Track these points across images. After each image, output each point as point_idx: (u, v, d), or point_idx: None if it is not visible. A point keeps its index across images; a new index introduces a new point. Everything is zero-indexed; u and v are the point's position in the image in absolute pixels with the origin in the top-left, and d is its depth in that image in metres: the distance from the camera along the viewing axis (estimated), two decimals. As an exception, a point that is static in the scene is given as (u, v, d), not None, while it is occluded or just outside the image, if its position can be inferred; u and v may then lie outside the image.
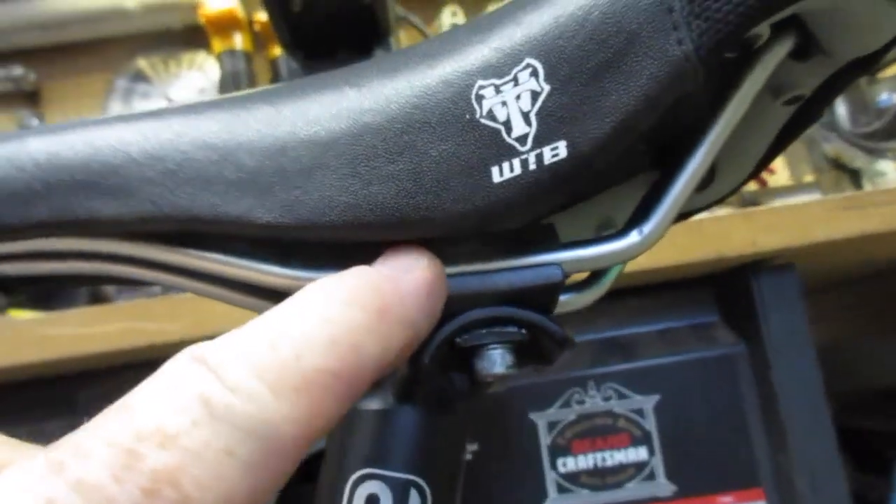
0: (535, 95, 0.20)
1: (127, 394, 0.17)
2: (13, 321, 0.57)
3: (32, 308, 0.66)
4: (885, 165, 1.19)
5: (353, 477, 0.23)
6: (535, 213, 0.22)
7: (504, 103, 0.20)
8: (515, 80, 0.20)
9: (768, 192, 1.16)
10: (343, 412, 0.18)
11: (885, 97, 1.15)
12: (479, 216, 0.21)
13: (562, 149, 0.20)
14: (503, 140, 0.20)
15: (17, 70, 1.31)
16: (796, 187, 1.26)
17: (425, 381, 0.23)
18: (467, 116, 0.21)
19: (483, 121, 0.20)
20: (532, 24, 0.20)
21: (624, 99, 0.19)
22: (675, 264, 0.56)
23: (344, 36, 0.86)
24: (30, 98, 1.33)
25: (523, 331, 0.23)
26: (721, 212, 0.60)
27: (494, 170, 0.20)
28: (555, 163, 0.20)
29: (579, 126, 0.20)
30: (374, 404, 0.24)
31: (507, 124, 0.20)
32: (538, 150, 0.20)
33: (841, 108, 1.19)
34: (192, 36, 1.30)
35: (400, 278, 0.20)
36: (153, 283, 0.27)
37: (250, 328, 0.18)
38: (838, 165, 1.23)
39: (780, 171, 1.26)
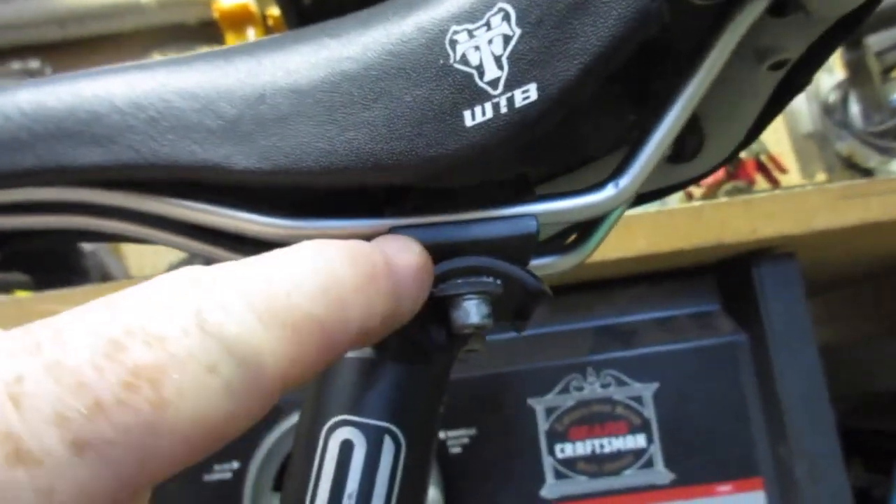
0: (506, 39, 0.20)
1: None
2: (17, 298, 0.58)
3: (39, 289, 0.67)
4: (898, 165, 1.18)
5: (328, 424, 0.23)
6: (507, 158, 0.22)
7: (477, 48, 0.21)
8: (488, 25, 0.20)
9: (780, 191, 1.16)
10: (320, 366, 0.18)
11: (898, 96, 1.14)
12: (451, 160, 0.21)
13: (532, 91, 0.20)
14: (476, 84, 0.21)
15: (34, 64, 1.33)
16: (808, 186, 1.25)
17: (402, 330, 0.23)
18: (441, 62, 0.21)
19: (456, 65, 0.21)
20: None
21: (592, 41, 0.19)
22: (675, 250, 0.56)
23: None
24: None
25: (498, 282, 0.23)
26: (721, 199, 0.60)
27: (467, 114, 0.21)
28: (525, 105, 0.20)
29: (549, 69, 0.20)
30: (351, 353, 0.24)
31: (480, 68, 0.21)
32: (509, 94, 0.20)
33: (854, 106, 1.18)
34: (207, 31, 1.32)
35: (392, 255, 0.21)
36: (137, 239, 0.27)
37: (245, 262, 0.18)
38: (851, 165, 1.21)
39: (791, 171, 1.25)
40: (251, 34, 1.23)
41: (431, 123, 0.21)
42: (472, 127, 0.21)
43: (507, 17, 0.20)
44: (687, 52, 0.23)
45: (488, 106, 0.20)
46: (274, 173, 0.22)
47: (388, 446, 0.23)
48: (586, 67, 0.20)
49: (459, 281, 0.23)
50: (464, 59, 0.21)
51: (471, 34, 0.21)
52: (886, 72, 1.13)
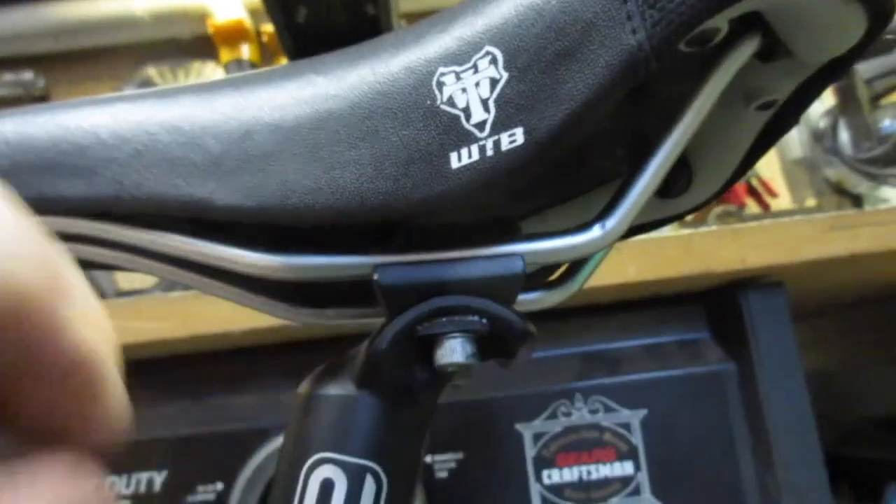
0: (493, 83, 0.20)
1: None
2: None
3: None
4: (887, 192, 1.19)
5: (309, 461, 0.23)
6: (493, 200, 0.22)
7: (464, 90, 0.21)
8: (475, 68, 0.20)
9: (770, 216, 1.16)
10: None
11: (888, 123, 1.15)
12: (437, 201, 0.21)
13: (519, 135, 0.20)
14: (462, 126, 0.21)
15: (27, 75, 1.32)
16: (798, 212, 1.26)
17: (384, 369, 0.23)
18: (428, 103, 0.21)
19: (443, 107, 0.21)
20: (493, 14, 0.20)
21: (580, 87, 0.19)
22: (664, 278, 0.56)
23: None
24: (39, 103, 1.34)
25: (484, 321, 0.23)
26: (711, 227, 0.60)
27: (453, 156, 0.21)
28: (512, 149, 0.20)
29: (536, 113, 0.20)
30: (333, 390, 0.24)
31: (467, 111, 0.20)
32: (496, 137, 0.20)
33: (844, 133, 1.19)
34: (201, 46, 1.32)
35: None
36: (123, 268, 0.27)
37: None
38: (840, 190, 1.22)
39: (781, 195, 1.26)
40: (245, 50, 1.24)
41: (418, 164, 0.21)
42: (459, 169, 0.21)
43: (494, 61, 0.20)
44: (675, 94, 0.24)
45: (475, 148, 0.20)
46: (258, 211, 0.22)
47: (369, 485, 0.23)
48: (573, 113, 0.20)
49: (444, 320, 0.23)
50: (451, 101, 0.21)
51: (458, 76, 0.21)
52: (875, 99, 1.14)
